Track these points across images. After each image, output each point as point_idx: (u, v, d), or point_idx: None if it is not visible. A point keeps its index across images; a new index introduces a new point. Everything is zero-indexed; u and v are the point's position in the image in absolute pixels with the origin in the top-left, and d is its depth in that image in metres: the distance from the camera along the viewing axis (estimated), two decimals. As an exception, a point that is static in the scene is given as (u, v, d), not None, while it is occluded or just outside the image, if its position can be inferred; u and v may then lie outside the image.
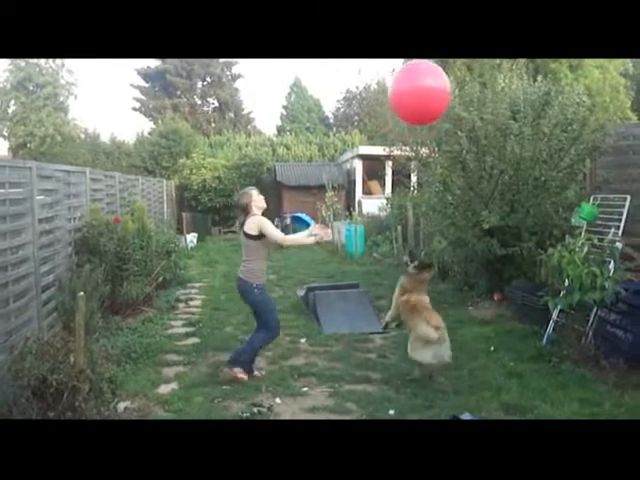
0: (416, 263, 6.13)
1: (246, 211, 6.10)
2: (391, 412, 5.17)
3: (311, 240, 6.35)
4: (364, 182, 23.00)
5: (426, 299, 6.07)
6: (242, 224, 6.11)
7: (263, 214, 6.13)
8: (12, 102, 35.48)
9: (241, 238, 6.16)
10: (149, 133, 31.64)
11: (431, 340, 5.67)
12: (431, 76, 5.61)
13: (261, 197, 6.21)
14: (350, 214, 19.19)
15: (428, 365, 5.80)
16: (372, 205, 19.81)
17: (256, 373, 6.20)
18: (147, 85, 44.20)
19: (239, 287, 6.14)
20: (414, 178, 14.83)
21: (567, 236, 7.08)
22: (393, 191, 19.88)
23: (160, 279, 9.64)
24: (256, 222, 5.96)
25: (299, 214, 20.90)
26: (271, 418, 5.10)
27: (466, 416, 4.11)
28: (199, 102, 45.16)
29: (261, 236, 5.95)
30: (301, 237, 6.60)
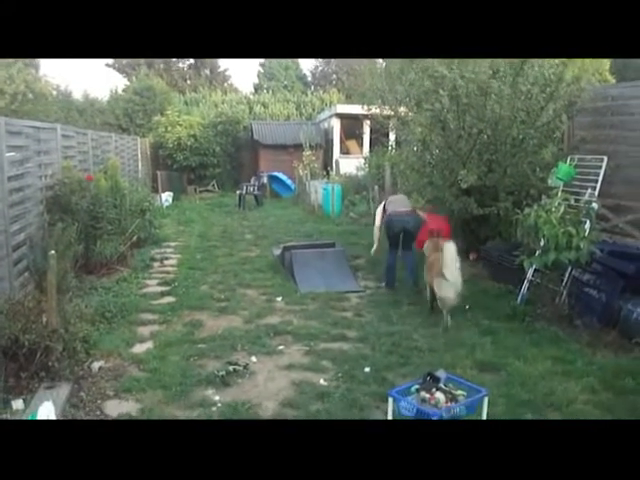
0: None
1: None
2: (366, 369, 5.21)
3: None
4: (342, 141, 22.83)
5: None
6: None
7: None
8: (-20, 58, 34.51)
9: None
10: (123, 90, 30.94)
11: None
12: None
13: None
14: (327, 173, 19.08)
15: (449, 300, 6.38)
16: (350, 164, 19.69)
17: None
18: (120, 40, 43.17)
19: None
20: (392, 137, 14.75)
21: (544, 196, 7.11)
22: (371, 150, 19.76)
23: (134, 238, 9.53)
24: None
25: (276, 173, 20.75)
26: (248, 378, 5.11)
27: (441, 373, 4.13)
28: (174, 59, 44.25)
29: None
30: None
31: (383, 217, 8.28)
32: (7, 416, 4.10)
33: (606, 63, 21.32)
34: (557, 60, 7.93)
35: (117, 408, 4.54)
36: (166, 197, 18.01)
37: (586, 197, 6.78)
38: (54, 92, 33.45)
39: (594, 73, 16.44)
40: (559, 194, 6.78)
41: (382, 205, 8.48)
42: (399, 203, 8.40)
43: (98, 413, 4.47)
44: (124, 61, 41.54)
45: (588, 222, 6.44)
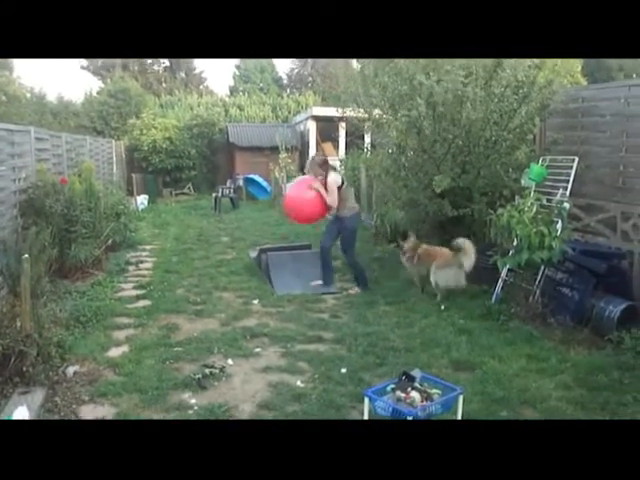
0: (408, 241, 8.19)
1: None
2: (343, 370, 5.22)
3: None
4: (318, 144, 22.85)
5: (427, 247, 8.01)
6: None
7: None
8: (-48, 60, 34.00)
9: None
10: (98, 92, 30.70)
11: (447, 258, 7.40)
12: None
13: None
14: (303, 175, 19.08)
15: (446, 286, 7.37)
16: (326, 167, 19.72)
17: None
18: (95, 42, 42.78)
19: None
20: (368, 139, 14.80)
21: (516, 197, 7.18)
22: (347, 153, 19.81)
23: (109, 241, 9.44)
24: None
25: (252, 175, 20.70)
26: (224, 381, 5.09)
27: (416, 372, 4.16)
28: (149, 61, 43.97)
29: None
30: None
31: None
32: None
33: (578, 65, 21.60)
34: (529, 62, 8.02)
35: (92, 412, 4.49)
36: (142, 200, 17.87)
37: (558, 197, 6.87)
38: (28, 94, 33.10)
39: (566, 75, 16.68)
40: (531, 194, 6.85)
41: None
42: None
43: (73, 418, 4.42)
44: (99, 63, 41.24)
45: (560, 222, 6.51)
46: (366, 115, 11.19)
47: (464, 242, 7.28)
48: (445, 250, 7.57)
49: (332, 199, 7.96)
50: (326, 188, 7.99)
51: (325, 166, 8.22)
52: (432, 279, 7.46)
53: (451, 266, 7.32)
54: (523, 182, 7.39)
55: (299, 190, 8.26)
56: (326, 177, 8.05)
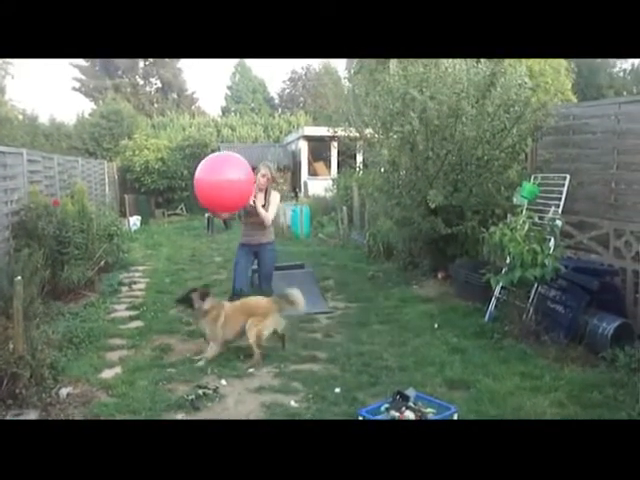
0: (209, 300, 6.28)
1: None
2: (337, 390, 5.21)
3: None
4: (310, 163, 22.98)
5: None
6: None
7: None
8: (-56, 82, 34.08)
9: None
10: (90, 114, 30.79)
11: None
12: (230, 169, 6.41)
13: (264, 175, 7.07)
14: (296, 195, 19.17)
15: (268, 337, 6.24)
16: (318, 186, 19.84)
17: None
18: (87, 64, 42.92)
19: None
20: (360, 158, 14.90)
21: (509, 214, 7.23)
22: (339, 172, 19.92)
23: (102, 263, 9.43)
24: None
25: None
26: (218, 401, 5.07)
27: (410, 392, 4.17)
28: (141, 82, 44.27)
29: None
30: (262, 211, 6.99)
31: None
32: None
33: (568, 82, 21.83)
34: (520, 80, 8.10)
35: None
36: (134, 221, 17.88)
37: (550, 215, 6.91)
38: (20, 116, 33.09)
39: (557, 93, 16.86)
40: (524, 212, 6.90)
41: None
42: None
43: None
44: (91, 85, 41.42)
45: (552, 239, 6.56)
46: (358, 134, 11.28)
47: (295, 295, 6.36)
48: (261, 300, 6.40)
49: (272, 214, 7.17)
50: (266, 200, 7.08)
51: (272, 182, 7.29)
52: (252, 334, 6.06)
53: (273, 314, 6.25)
54: (515, 200, 7.43)
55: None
56: (266, 192, 7.11)
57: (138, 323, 7.47)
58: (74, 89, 42.71)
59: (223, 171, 6.38)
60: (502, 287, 7.01)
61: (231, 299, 6.76)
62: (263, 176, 6.99)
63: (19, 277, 5.16)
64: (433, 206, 8.23)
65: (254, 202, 6.85)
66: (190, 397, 5.01)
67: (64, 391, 5.17)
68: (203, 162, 6.52)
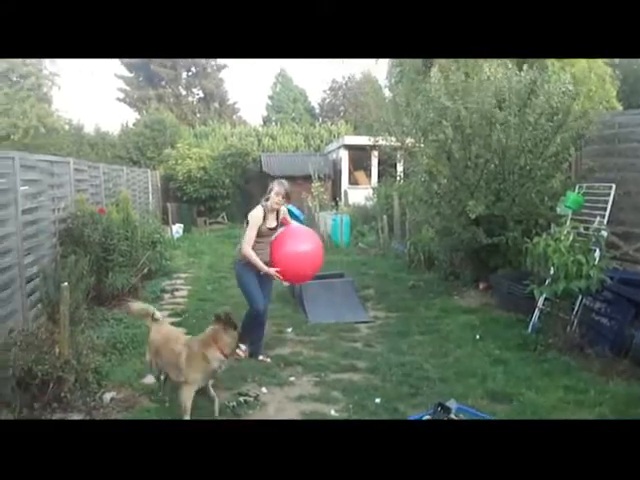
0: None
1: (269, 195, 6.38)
2: (377, 400, 5.19)
3: (266, 270, 6.13)
4: (350, 172, 22.99)
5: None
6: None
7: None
8: (-6, 93, 35.12)
9: None
10: (134, 124, 31.38)
11: None
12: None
13: (279, 194, 6.33)
14: (336, 204, 19.18)
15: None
16: (358, 195, 19.85)
17: (261, 357, 6.37)
18: (131, 75, 43.75)
19: None
20: (400, 168, 14.85)
21: (552, 225, 7.12)
22: (379, 181, 19.89)
23: (145, 270, 9.58)
24: (250, 214, 6.26)
25: (289, 206, 20.83)
26: (259, 409, 5.10)
27: (452, 403, 4.13)
28: (184, 92, 44.86)
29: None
30: (258, 262, 6.11)
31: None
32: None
33: (613, 90, 21.45)
34: (563, 88, 8.00)
35: (129, 439, 4.54)
36: (176, 229, 18.13)
37: (595, 225, 6.79)
38: (66, 126, 33.95)
39: (601, 101, 16.57)
40: (568, 222, 6.80)
41: None
42: None
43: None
44: (135, 95, 42.17)
45: (598, 250, 6.44)
46: (398, 144, 11.25)
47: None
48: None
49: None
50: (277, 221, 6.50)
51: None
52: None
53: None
54: (559, 210, 7.33)
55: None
56: (277, 212, 6.49)
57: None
58: (118, 99, 43.54)
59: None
60: (546, 298, 6.90)
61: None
62: (277, 194, 6.30)
63: (66, 283, 5.27)
64: (473, 216, 8.16)
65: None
66: (231, 404, 5.06)
67: (108, 396, 5.26)
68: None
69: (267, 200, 6.33)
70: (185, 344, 4.87)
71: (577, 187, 7.54)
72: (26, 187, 6.78)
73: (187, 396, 4.70)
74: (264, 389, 5.55)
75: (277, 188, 6.35)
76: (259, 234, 6.20)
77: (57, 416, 4.67)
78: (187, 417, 4.65)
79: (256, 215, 6.21)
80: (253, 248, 6.13)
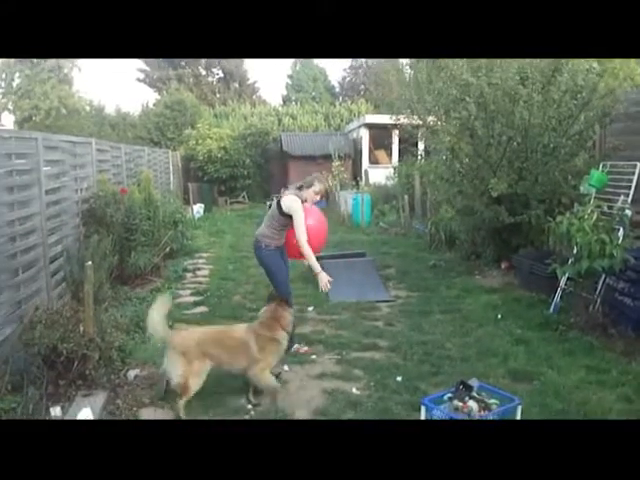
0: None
1: (304, 188, 6.10)
2: (398, 379, 5.21)
3: (318, 271, 5.90)
4: (371, 151, 22.89)
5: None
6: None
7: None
8: (16, 75, 35.42)
9: (274, 203, 6.09)
10: (154, 104, 31.48)
11: None
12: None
13: (318, 194, 6.15)
14: (357, 184, 19.13)
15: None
16: (379, 174, 19.76)
17: (296, 346, 6.10)
18: (151, 55, 43.73)
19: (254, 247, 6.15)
20: (421, 146, 14.76)
21: (576, 204, 7.04)
22: (400, 160, 19.79)
23: (167, 249, 9.67)
24: (293, 204, 5.86)
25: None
26: (280, 387, 5.13)
27: (473, 381, 4.13)
28: (204, 72, 44.78)
29: (289, 217, 5.87)
30: (314, 262, 5.90)
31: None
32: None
33: (638, 68, 21.03)
34: (587, 66, 7.87)
35: (153, 416, 4.61)
36: (197, 209, 18.21)
37: (619, 204, 6.71)
38: (87, 107, 34.16)
39: (626, 79, 16.28)
40: (592, 201, 6.71)
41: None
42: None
43: (132, 418, 4.55)
44: (155, 76, 42.19)
45: (621, 229, 6.37)
46: (420, 122, 11.17)
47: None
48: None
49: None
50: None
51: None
52: None
53: None
54: (582, 189, 7.24)
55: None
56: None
57: (202, 309, 7.63)
58: (138, 80, 43.59)
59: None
60: (568, 278, 6.85)
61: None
62: (317, 194, 6.16)
63: (90, 262, 5.33)
64: (495, 195, 8.10)
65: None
66: (253, 382, 5.09)
67: (132, 373, 5.34)
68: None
69: (300, 189, 6.13)
70: (248, 332, 4.90)
71: (601, 165, 7.43)
72: (48, 167, 6.84)
73: (268, 377, 4.86)
74: (286, 367, 5.59)
75: (319, 187, 6.16)
76: (285, 223, 6.01)
77: (82, 393, 4.74)
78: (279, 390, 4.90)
79: (301, 208, 5.87)
80: (273, 235, 5.99)
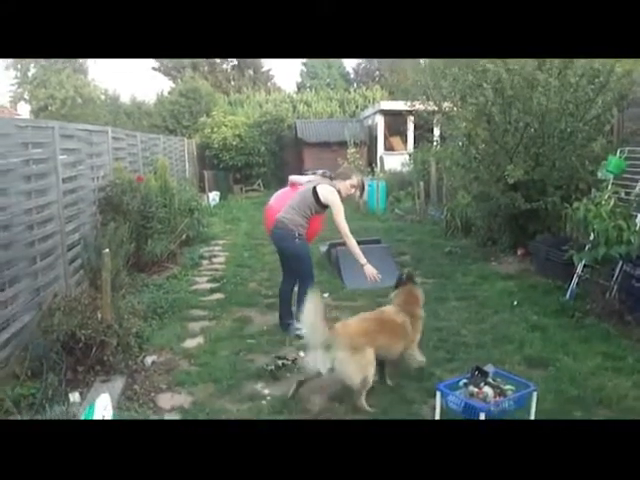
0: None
1: (339, 179, 6.15)
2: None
3: (363, 262, 6.05)
4: (386, 138, 22.79)
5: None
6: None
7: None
8: (32, 65, 35.54)
9: (305, 190, 6.09)
10: (169, 92, 31.53)
11: None
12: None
13: (355, 187, 6.22)
14: (372, 170, 19.07)
15: None
16: (394, 161, 19.70)
17: None
18: (166, 43, 43.70)
19: (276, 234, 6.12)
20: (437, 132, 14.69)
21: (593, 189, 6.99)
22: (415, 146, 19.70)
23: (184, 236, 9.74)
24: (332, 196, 5.94)
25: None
26: (296, 372, 5.16)
27: (489, 367, 4.14)
28: (218, 60, 44.72)
29: (324, 207, 5.97)
30: (359, 252, 6.09)
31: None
32: (64, 408, 4.23)
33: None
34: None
35: (170, 401, 4.67)
36: (213, 196, 18.28)
37: (637, 190, 6.65)
38: (102, 96, 34.27)
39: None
40: (609, 187, 6.66)
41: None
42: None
43: (152, 405, 4.60)
44: (169, 64, 42.18)
45: (639, 215, 6.32)
46: (435, 108, 11.12)
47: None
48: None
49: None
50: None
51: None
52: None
53: None
54: (600, 174, 7.18)
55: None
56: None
57: (219, 295, 7.68)
58: (153, 68, 43.58)
59: None
60: (585, 265, 6.81)
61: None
62: (353, 187, 6.21)
63: (107, 250, 5.38)
64: (512, 181, 8.06)
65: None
66: (270, 367, 5.14)
67: (149, 359, 5.40)
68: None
69: (331, 179, 6.17)
70: (401, 313, 4.94)
71: (619, 151, 7.36)
72: (65, 156, 6.89)
73: (419, 352, 4.96)
74: (302, 353, 5.61)
75: (355, 180, 6.24)
76: (319, 212, 6.12)
77: (100, 379, 4.81)
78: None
79: (339, 201, 5.99)
80: (305, 224, 6.02)
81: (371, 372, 4.50)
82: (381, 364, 4.84)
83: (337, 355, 4.39)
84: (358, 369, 4.43)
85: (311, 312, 4.38)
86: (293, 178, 6.79)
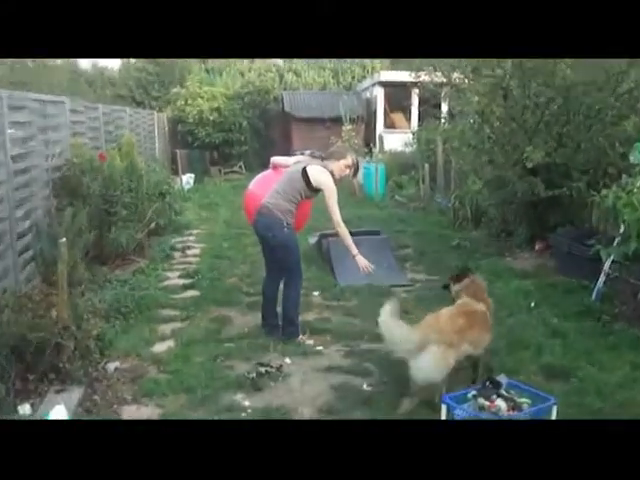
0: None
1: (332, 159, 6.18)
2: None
3: (355, 252, 6.12)
4: (386, 114, 22.78)
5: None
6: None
7: None
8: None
9: (294, 172, 6.07)
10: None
11: None
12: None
13: (350, 167, 6.25)
14: (370, 150, 19.07)
15: None
16: (395, 140, 19.69)
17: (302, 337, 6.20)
18: None
19: (261, 223, 6.11)
20: (445, 108, 14.67)
21: (624, 175, 7.00)
22: (420, 124, 19.70)
23: (153, 225, 9.68)
24: (325, 178, 5.97)
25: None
26: (281, 381, 5.17)
27: (502, 378, 4.14)
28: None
29: (316, 191, 6.00)
30: (351, 242, 6.16)
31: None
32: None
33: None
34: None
35: (135, 414, 4.64)
36: (187, 179, 18.25)
37: (674, 176, 6.67)
38: (58, 61, 33.91)
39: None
40: (642, 172, 6.68)
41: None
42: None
43: (115, 418, 4.58)
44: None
45: (676, 205, 6.34)
46: (444, 79, 11.10)
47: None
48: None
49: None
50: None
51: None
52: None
53: None
54: (632, 158, 7.19)
55: None
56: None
57: (193, 292, 7.67)
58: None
59: None
60: (613, 261, 6.83)
61: None
62: (348, 167, 6.24)
63: (63, 239, 5.33)
64: (530, 165, 8.06)
65: None
66: (251, 375, 5.14)
67: (112, 365, 5.37)
68: None
69: (322, 159, 6.21)
70: (480, 303, 5.08)
71: (655, 131, 7.40)
72: (14, 130, 6.81)
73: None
74: (287, 359, 5.62)
75: (350, 160, 6.27)
76: (308, 197, 6.16)
77: (55, 388, 4.77)
78: None
79: (333, 183, 6.02)
80: (293, 210, 6.02)
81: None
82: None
83: (429, 356, 4.57)
84: (445, 364, 4.60)
85: (385, 319, 4.74)
86: (276, 160, 6.74)
